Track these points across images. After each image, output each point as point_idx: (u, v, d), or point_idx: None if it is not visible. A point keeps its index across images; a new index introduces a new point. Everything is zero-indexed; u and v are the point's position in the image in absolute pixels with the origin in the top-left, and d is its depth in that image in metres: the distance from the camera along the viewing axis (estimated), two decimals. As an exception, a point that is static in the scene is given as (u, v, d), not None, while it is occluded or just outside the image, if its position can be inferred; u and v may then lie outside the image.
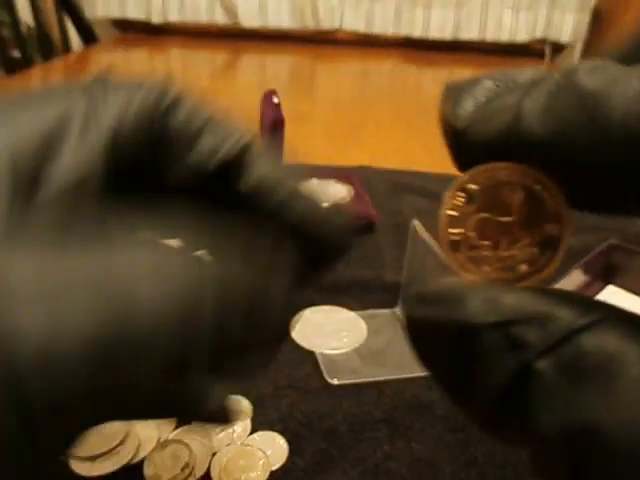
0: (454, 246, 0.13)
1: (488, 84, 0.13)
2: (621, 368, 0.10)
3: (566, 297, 0.12)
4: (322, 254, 0.18)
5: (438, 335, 0.12)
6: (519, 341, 0.11)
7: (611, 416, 0.10)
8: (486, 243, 0.13)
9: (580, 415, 0.10)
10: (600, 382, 0.10)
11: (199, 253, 0.15)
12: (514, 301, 0.12)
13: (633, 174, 0.11)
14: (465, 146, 0.13)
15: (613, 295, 0.42)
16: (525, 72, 0.13)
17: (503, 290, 0.12)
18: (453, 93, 0.13)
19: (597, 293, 0.43)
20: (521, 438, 0.12)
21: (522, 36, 1.90)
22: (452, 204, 0.13)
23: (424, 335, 0.13)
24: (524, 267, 0.13)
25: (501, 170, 0.13)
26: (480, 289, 0.12)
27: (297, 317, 0.46)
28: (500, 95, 0.13)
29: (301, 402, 0.38)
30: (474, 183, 0.13)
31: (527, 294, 0.12)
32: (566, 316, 0.11)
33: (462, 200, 0.13)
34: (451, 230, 0.13)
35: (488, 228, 0.13)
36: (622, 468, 0.10)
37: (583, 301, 0.11)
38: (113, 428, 0.34)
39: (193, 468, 0.33)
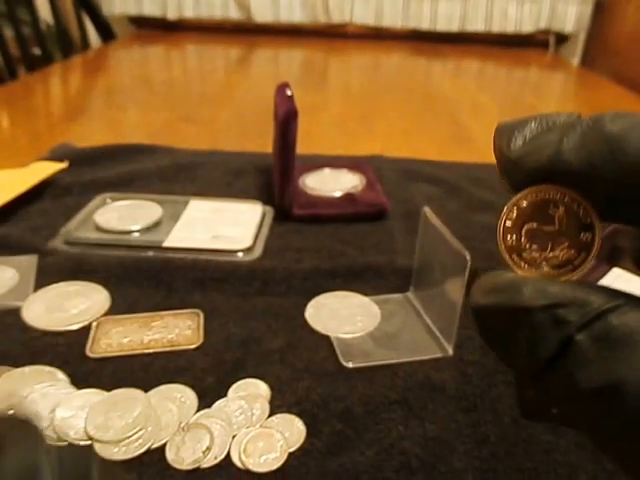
0: (510, 249, 0.17)
1: (533, 124, 0.16)
2: None
3: (597, 287, 0.15)
4: None
5: (500, 317, 0.16)
6: (562, 319, 0.15)
7: (631, 375, 0.13)
8: (535, 247, 0.17)
9: (608, 375, 0.13)
10: (624, 350, 0.13)
11: None
12: (558, 290, 0.15)
13: None
14: (517, 173, 0.16)
15: (619, 277, 0.43)
16: (561, 115, 0.16)
17: (549, 282, 0.15)
18: (506, 131, 0.17)
19: (603, 275, 0.43)
20: (558, 391, 0.15)
21: (527, 27, 1.91)
22: (508, 217, 0.17)
23: (488, 319, 0.16)
24: (564, 266, 0.16)
25: (545, 191, 0.16)
26: (532, 281, 0.16)
27: (312, 302, 0.47)
28: (543, 133, 0.16)
29: (317, 385, 0.39)
30: (525, 201, 0.17)
31: (568, 285, 0.15)
32: (598, 300, 0.14)
33: (516, 214, 0.17)
34: (508, 237, 0.17)
35: (536, 235, 0.17)
36: (635, 418, 0.13)
37: (610, 291, 0.15)
38: (135, 413, 0.35)
39: (214, 451, 0.33)
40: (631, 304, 0.14)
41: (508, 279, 0.16)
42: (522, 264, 0.17)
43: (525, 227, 0.17)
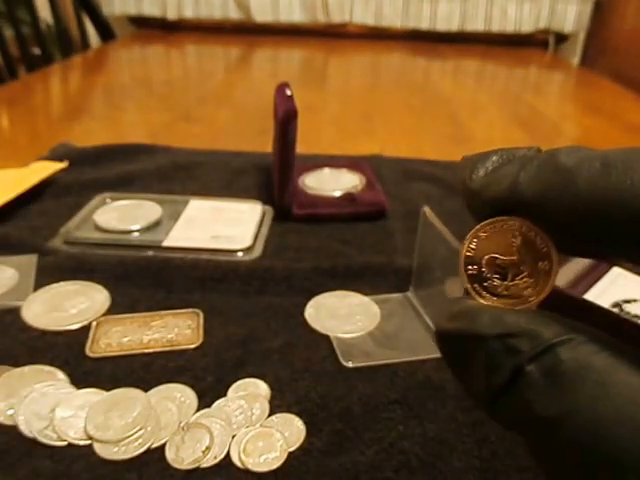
0: (472, 279, 0.17)
1: (494, 157, 0.17)
2: (586, 374, 0.14)
3: (553, 318, 0.15)
4: None
5: (459, 343, 0.17)
6: (515, 349, 0.15)
7: (575, 409, 0.13)
8: (495, 276, 0.17)
9: (554, 407, 0.14)
10: (570, 384, 0.14)
11: None
12: (513, 319, 0.16)
13: (599, 230, 0.15)
14: (478, 203, 0.17)
15: (618, 277, 0.43)
16: (522, 149, 0.17)
17: (506, 311, 0.16)
18: (469, 163, 0.18)
19: (603, 275, 0.43)
20: (510, 419, 0.15)
21: (526, 27, 1.91)
22: (469, 247, 0.18)
23: (449, 344, 0.17)
24: (523, 294, 0.17)
25: (504, 221, 0.17)
26: (489, 310, 0.16)
27: (312, 302, 0.47)
28: (503, 166, 0.17)
29: (317, 385, 0.39)
30: (484, 231, 0.17)
31: (523, 315, 0.16)
32: (550, 332, 0.15)
33: (476, 244, 0.17)
34: (469, 267, 0.17)
35: (497, 265, 0.17)
36: (575, 452, 0.13)
37: (565, 323, 0.15)
38: (135, 412, 0.35)
39: (214, 450, 0.33)
40: (582, 338, 0.14)
41: (467, 307, 0.17)
42: (483, 293, 0.17)
43: (486, 257, 0.17)
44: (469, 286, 0.17)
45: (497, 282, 0.17)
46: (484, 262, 0.17)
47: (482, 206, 0.17)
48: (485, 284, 0.17)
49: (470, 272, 0.17)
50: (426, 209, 0.44)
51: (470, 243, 0.18)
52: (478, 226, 0.17)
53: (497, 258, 0.17)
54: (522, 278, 0.17)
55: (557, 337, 0.15)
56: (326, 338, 0.43)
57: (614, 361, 0.14)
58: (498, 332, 0.15)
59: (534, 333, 0.15)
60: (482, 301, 0.17)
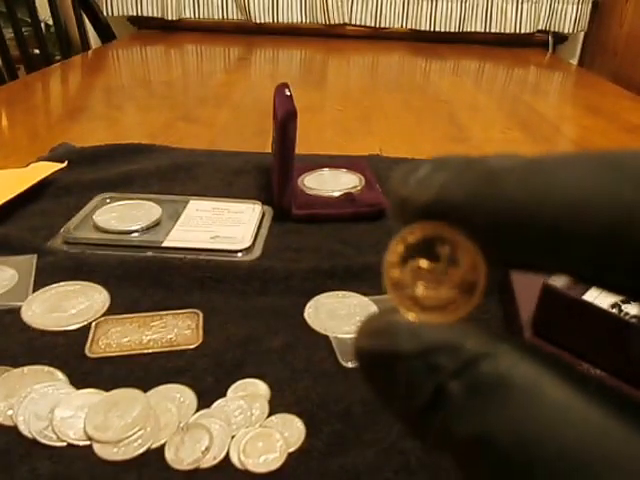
0: (395, 286, 0.16)
1: (426, 165, 0.16)
2: (511, 386, 0.13)
3: (475, 331, 0.14)
4: None
5: (378, 362, 0.15)
6: (435, 366, 0.14)
7: (498, 426, 0.13)
8: (420, 284, 0.16)
9: (477, 425, 0.13)
10: (493, 399, 0.13)
11: None
12: (434, 334, 0.15)
13: (520, 239, 0.14)
14: (408, 210, 0.16)
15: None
16: (453, 157, 0.16)
17: (426, 325, 0.15)
18: (400, 173, 0.17)
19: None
20: (435, 440, 0.14)
21: (525, 27, 1.91)
22: (394, 251, 0.16)
23: (368, 362, 0.16)
24: (449, 306, 0.16)
25: (432, 227, 0.15)
26: (408, 325, 0.15)
27: (311, 302, 0.47)
28: (434, 172, 0.16)
29: (317, 385, 0.39)
30: (411, 236, 0.16)
31: (445, 328, 0.15)
32: (471, 346, 0.14)
33: (402, 249, 0.16)
34: (392, 273, 0.16)
35: (422, 273, 0.16)
36: (508, 468, 0.13)
37: (488, 334, 0.14)
38: (134, 413, 0.35)
39: (213, 451, 0.33)
40: (505, 348, 0.14)
41: (386, 322, 0.16)
42: (406, 301, 0.16)
43: (411, 264, 0.16)
44: (392, 294, 0.16)
45: (421, 291, 0.16)
46: (409, 268, 0.16)
47: (412, 213, 0.16)
48: (408, 292, 0.16)
49: (393, 279, 0.16)
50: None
51: (395, 247, 0.16)
52: (406, 229, 0.16)
53: (423, 265, 0.16)
54: (447, 288, 0.16)
55: (479, 350, 0.14)
56: (325, 338, 0.43)
57: (539, 372, 0.13)
58: (417, 349, 0.14)
59: (455, 347, 0.14)
60: (405, 311, 0.16)
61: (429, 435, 0.14)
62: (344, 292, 0.49)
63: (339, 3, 1.89)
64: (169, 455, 0.33)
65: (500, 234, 0.14)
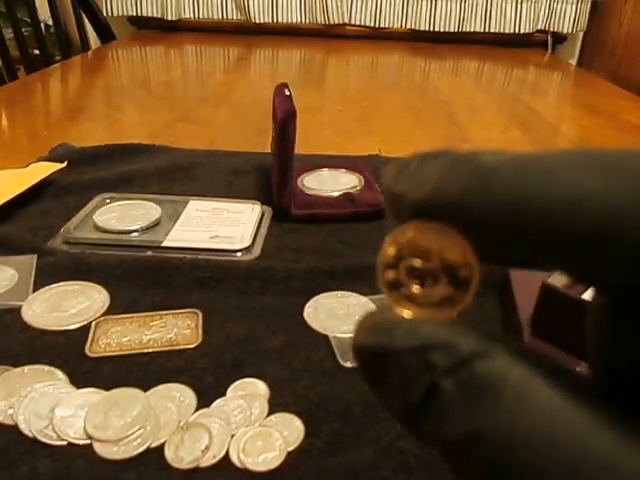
0: (389, 285, 0.16)
1: (418, 160, 0.16)
2: (502, 388, 0.13)
3: (470, 331, 0.15)
4: None
5: (375, 358, 0.16)
6: (430, 363, 0.14)
7: (490, 425, 0.13)
8: (414, 283, 0.16)
9: (469, 423, 0.13)
10: (486, 398, 0.13)
11: None
12: (429, 331, 0.15)
13: (512, 235, 0.14)
14: (402, 206, 0.16)
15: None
16: (445, 151, 0.16)
17: (422, 322, 0.15)
18: (393, 169, 0.17)
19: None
20: (429, 437, 0.14)
21: (525, 27, 1.92)
22: (388, 251, 0.16)
23: (365, 358, 0.16)
24: (443, 303, 0.16)
25: (425, 226, 0.15)
26: (404, 322, 0.15)
27: (311, 302, 0.47)
28: (427, 168, 0.16)
29: (316, 384, 0.39)
30: (404, 236, 0.16)
31: (440, 326, 0.15)
32: (467, 344, 0.14)
33: (395, 248, 0.16)
34: (387, 272, 0.16)
35: (416, 271, 0.16)
36: (497, 467, 0.13)
37: (483, 335, 0.14)
38: (134, 412, 0.35)
39: (213, 450, 0.33)
40: (500, 349, 0.14)
41: (383, 319, 0.16)
42: (401, 300, 0.16)
43: (405, 262, 0.16)
44: (387, 294, 0.16)
45: (416, 290, 0.16)
46: (403, 267, 0.16)
47: (406, 209, 0.16)
48: (403, 291, 0.16)
49: (388, 278, 0.16)
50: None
51: (389, 246, 0.16)
52: (399, 228, 0.16)
53: (417, 264, 0.16)
54: (442, 286, 0.16)
55: (473, 349, 0.14)
56: (325, 338, 0.43)
57: (531, 374, 0.13)
58: (413, 346, 0.14)
59: (450, 345, 0.14)
60: (401, 309, 0.16)
61: (422, 432, 0.15)
62: (343, 292, 0.49)
63: (339, 3, 1.89)
64: (169, 454, 0.33)
65: (493, 232, 0.14)
